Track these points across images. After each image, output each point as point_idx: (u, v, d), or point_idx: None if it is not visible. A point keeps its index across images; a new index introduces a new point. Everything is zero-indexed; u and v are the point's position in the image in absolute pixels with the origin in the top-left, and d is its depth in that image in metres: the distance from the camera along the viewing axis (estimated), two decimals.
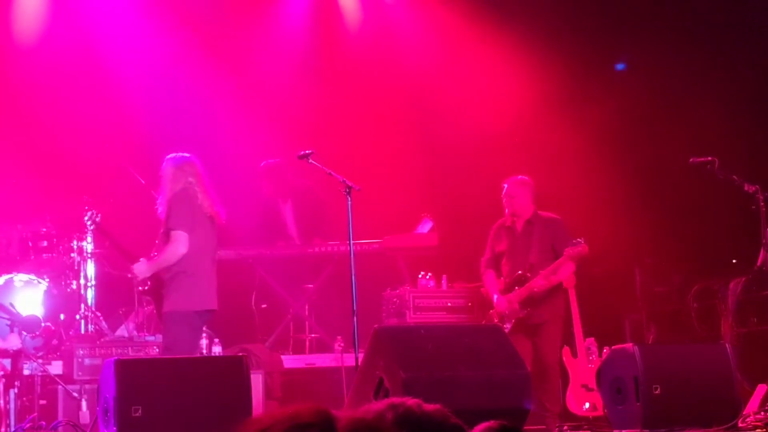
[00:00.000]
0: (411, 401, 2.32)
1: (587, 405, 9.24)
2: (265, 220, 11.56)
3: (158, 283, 8.15)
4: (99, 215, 8.81)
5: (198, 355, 8.61)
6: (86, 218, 8.79)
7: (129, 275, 8.33)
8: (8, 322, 8.86)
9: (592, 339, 9.57)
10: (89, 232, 9.94)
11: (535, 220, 9.38)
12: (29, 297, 9.40)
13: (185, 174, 8.21)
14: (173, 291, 8.03)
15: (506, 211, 9.49)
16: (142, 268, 8.12)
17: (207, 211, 8.16)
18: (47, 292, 9.56)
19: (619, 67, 12.01)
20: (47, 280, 9.66)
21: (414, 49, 12.16)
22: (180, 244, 8.00)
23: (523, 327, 9.13)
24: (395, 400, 2.33)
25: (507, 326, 9.02)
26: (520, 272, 9.24)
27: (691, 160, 9.46)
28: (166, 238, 8.07)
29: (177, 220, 8.03)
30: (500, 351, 7.43)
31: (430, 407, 2.34)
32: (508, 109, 11.63)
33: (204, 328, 9.66)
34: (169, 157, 8.34)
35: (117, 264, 10.38)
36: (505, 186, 9.48)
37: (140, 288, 8.25)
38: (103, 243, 10.00)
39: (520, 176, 9.51)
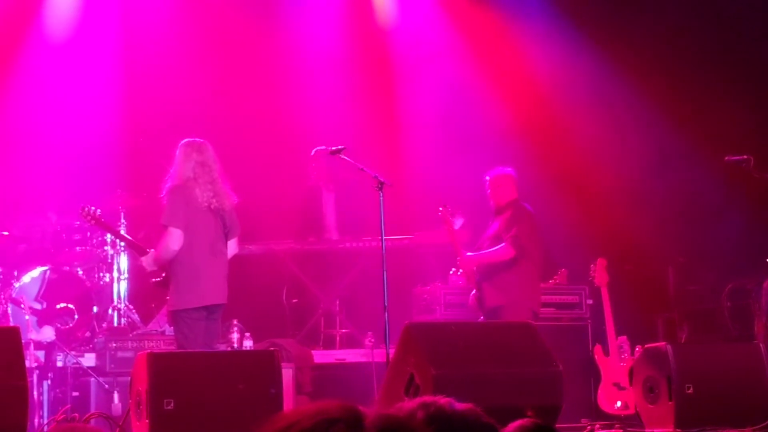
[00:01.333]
0: (443, 400, 2.30)
1: (619, 403, 9.20)
2: (306, 208, 11.54)
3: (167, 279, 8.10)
4: (98, 210, 8.73)
5: (216, 348, 8.60)
6: (84, 213, 8.62)
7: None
8: (42, 315, 8.93)
9: (625, 337, 9.53)
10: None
11: (508, 207, 9.30)
12: (62, 289, 9.46)
13: (191, 162, 8.04)
14: (173, 290, 7.93)
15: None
16: (149, 261, 8.10)
17: (205, 204, 7.98)
18: (81, 284, 9.61)
19: None
20: (81, 272, 9.71)
21: (447, 43, 12.13)
22: (172, 242, 7.85)
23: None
24: (427, 399, 2.31)
25: None
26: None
27: (726, 158, 9.39)
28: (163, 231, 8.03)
29: (170, 216, 7.87)
30: (531, 348, 7.41)
31: (461, 406, 2.32)
32: (540, 103, 11.59)
33: (235, 322, 9.70)
34: (181, 142, 8.19)
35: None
36: (489, 177, 9.46)
37: (153, 280, 8.19)
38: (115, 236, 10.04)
39: (502, 167, 9.44)
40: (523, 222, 9.18)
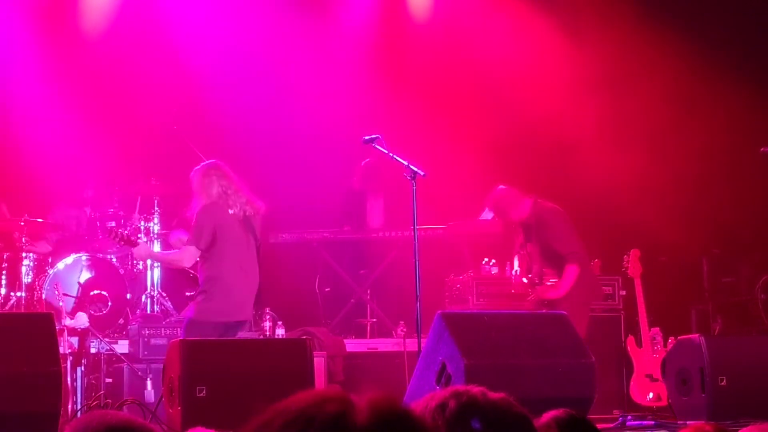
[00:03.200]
0: (475, 389, 2.29)
1: (651, 395, 9.17)
2: (346, 206, 11.59)
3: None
4: (126, 231, 8.85)
5: None
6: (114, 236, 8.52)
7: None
8: (76, 301, 8.99)
9: (658, 329, 9.49)
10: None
11: (532, 218, 9.20)
12: (97, 276, 9.51)
13: (213, 180, 8.12)
14: (201, 300, 7.99)
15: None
16: (141, 252, 8.21)
17: (241, 214, 8.07)
18: (114, 272, 9.66)
19: None
20: (115, 260, 9.77)
21: (481, 34, 12.10)
22: (187, 258, 8.03)
23: None
24: (459, 388, 2.30)
25: None
26: (529, 276, 9.22)
27: (762, 149, 9.31)
28: (183, 244, 8.13)
29: (195, 235, 7.97)
30: (564, 339, 7.38)
31: (494, 395, 2.31)
32: (575, 95, 11.53)
33: (268, 310, 9.73)
34: (198, 167, 8.29)
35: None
36: (490, 208, 9.40)
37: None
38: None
39: (493, 192, 9.33)
40: (565, 229, 9.09)
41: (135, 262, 8.29)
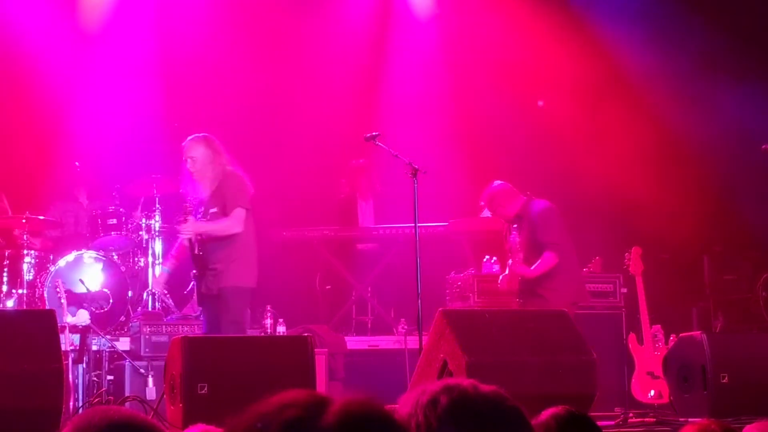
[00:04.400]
0: (466, 383, 2.25)
1: (652, 392, 9.17)
2: (341, 210, 11.62)
3: (206, 257, 8.17)
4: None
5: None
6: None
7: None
8: (77, 299, 8.99)
9: (659, 326, 9.48)
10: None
11: (522, 213, 9.17)
12: (98, 274, 9.52)
13: (220, 154, 8.27)
14: (238, 266, 8.10)
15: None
16: (188, 228, 8.17)
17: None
18: (116, 269, 9.66)
19: None
20: (116, 257, 9.77)
21: (482, 30, 12.09)
22: (239, 222, 8.10)
23: None
24: (450, 382, 2.27)
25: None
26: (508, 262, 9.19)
27: (764, 146, 9.31)
28: (215, 215, 8.13)
29: (238, 198, 8.10)
30: (565, 336, 7.38)
31: (486, 388, 2.29)
32: (577, 94, 11.54)
33: (269, 308, 9.74)
34: (194, 137, 8.31)
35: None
36: (483, 204, 9.36)
37: (195, 251, 8.22)
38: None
39: (489, 188, 9.30)
40: (552, 222, 9.03)
41: (184, 237, 8.20)
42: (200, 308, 8.55)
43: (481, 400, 2.19)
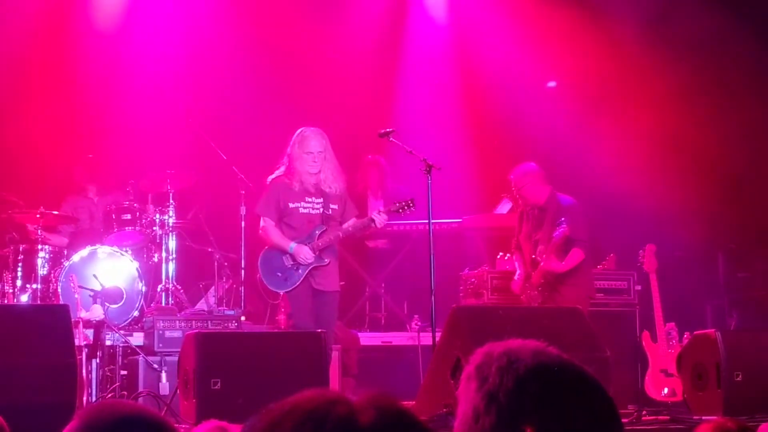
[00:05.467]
0: (552, 350, 2.10)
1: (666, 390, 9.14)
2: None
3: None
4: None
5: None
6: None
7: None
8: (91, 294, 9.00)
9: (673, 324, 9.45)
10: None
11: (548, 205, 9.16)
12: (112, 269, 9.53)
13: None
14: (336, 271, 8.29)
15: (519, 202, 9.36)
16: (384, 221, 8.30)
17: None
18: (129, 265, 9.67)
19: None
20: (129, 252, 9.78)
21: (497, 29, 12.07)
22: None
23: None
24: (531, 343, 2.11)
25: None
26: (534, 256, 9.13)
27: None
28: (336, 213, 8.27)
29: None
30: (579, 333, 7.38)
31: (568, 360, 2.10)
32: (591, 89, 11.50)
33: (282, 304, 9.75)
34: (320, 131, 8.38)
35: (198, 238, 10.51)
36: (512, 179, 9.31)
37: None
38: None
39: (522, 165, 9.30)
40: (581, 218, 9.07)
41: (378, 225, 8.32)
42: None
43: (568, 368, 2.05)
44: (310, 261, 8.10)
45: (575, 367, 2.07)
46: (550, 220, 9.05)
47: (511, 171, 9.33)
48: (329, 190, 8.23)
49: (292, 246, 8.15)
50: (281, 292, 8.43)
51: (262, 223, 8.31)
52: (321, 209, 8.23)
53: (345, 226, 8.29)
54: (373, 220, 8.24)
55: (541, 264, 8.99)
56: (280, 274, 8.24)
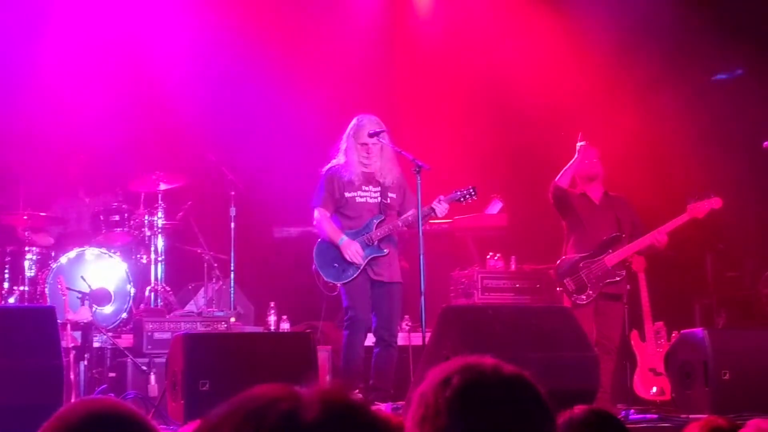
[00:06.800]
0: (488, 362, 2.04)
1: (654, 389, 9.15)
2: None
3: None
4: None
5: None
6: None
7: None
8: (79, 295, 8.98)
9: (662, 323, 9.46)
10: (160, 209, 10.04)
11: (607, 194, 9.25)
12: (100, 270, 9.51)
13: None
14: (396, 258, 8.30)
15: (584, 173, 9.24)
16: (445, 207, 8.20)
17: None
18: (118, 266, 9.65)
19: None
20: (118, 254, 9.76)
21: (485, 27, 12.07)
22: None
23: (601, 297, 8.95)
24: (470, 360, 2.05)
25: (583, 297, 8.86)
26: (615, 233, 9.07)
27: (765, 144, 9.30)
28: (394, 201, 8.25)
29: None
30: (568, 333, 7.39)
31: (508, 370, 2.05)
32: (581, 88, 11.51)
33: (272, 305, 9.74)
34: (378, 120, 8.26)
35: (188, 239, 10.50)
36: (593, 150, 9.27)
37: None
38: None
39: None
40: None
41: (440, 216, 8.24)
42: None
43: (499, 384, 2.00)
44: (357, 261, 8.04)
45: (501, 376, 2.02)
46: (619, 209, 9.22)
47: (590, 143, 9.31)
48: (384, 180, 8.16)
49: (342, 239, 8.10)
50: (339, 284, 8.23)
51: (316, 214, 8.26)
52: (378, 198, 8.17)
53: (405, 216, 8.18)
54: (433, 209, 8.10)
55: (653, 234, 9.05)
56: (336, 265, 8.16)
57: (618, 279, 8.92)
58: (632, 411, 7.87)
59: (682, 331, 8.17)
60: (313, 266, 8.33)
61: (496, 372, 2.01)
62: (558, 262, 9.05)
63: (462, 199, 8.26)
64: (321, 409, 1.63)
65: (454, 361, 2.05)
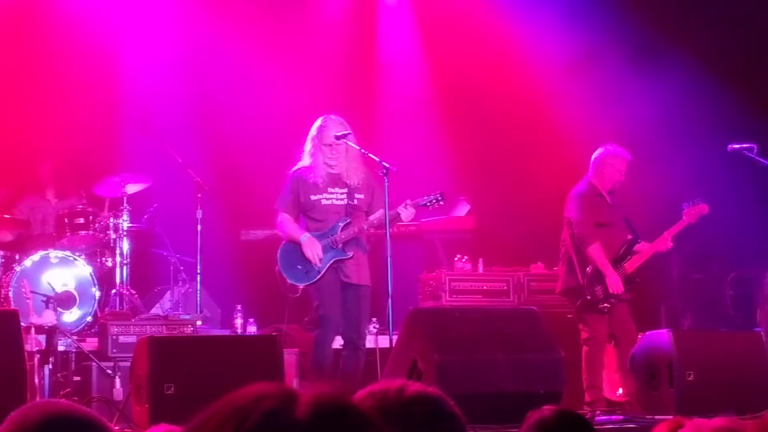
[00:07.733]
0: (395, 385, 2.11)
1: (621, 390, 9.18)
2: None
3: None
4: None
5: None
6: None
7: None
8: (44, 299, 8.91)
9: None
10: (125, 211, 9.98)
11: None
12: (64, 273, 9.43)
13: None
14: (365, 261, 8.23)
15: (613, 181, 9.11)
16: (411, 212, 8.14)
17: None
18: (82, 269, 9.58)
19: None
20: (83, 257, 9.69)
21: (455, 29, 12.07)
22: None
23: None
24: (377, 386, 2.13)
25: (607, 305, 8.81)
26: (630, 237, 9.05)
27: (729, 147, 9.34)
28: (362, 203, 8.17)
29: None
30: (535, 335, 7.41)
31: (413, 390, 2.10)
32: (550, 90, 11.52)
33: (239, 307, 9.71)
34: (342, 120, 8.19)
35: (153, 242, 10.45)
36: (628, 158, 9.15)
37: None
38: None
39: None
40: None
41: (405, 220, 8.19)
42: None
43: (405, 403, 2.05)
44: (314, 261, 7.95)
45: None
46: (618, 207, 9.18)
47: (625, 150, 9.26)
48: (351, 181, 8.09)
49: (304, 237, 8.01)
50: (301, 286, 8.15)
51: (278, 217, 8.20)
52: (345, 200, 8.09)
53: (371, 218, 8.11)
54: (399, 214, 8.06)
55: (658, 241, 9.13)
56: (300, 266, 8.06)
57: (638, 282, 8.93)
58: (598, 412, 7.90)
59: (647, 332, 8.20)
60: (277, 268, 8.26)
61: (401, 394, 2.07)
62: (588, 269, 8.91)
63: (428, 204, 8.24)
64: (312, 408, 1.63)
65: (371, 386, 2.10)
